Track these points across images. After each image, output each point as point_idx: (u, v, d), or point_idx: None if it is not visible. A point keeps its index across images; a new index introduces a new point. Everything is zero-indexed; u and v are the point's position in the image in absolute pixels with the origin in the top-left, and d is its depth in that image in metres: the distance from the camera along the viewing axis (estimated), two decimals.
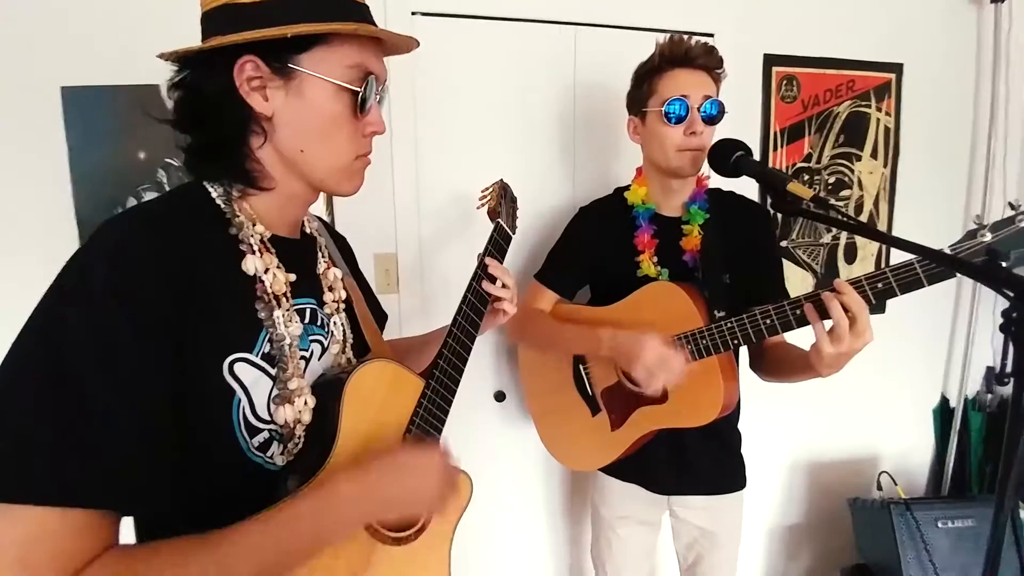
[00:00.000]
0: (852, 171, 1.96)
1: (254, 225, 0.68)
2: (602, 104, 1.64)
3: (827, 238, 1.96)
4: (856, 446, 2.14)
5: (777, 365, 1.16)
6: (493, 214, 1.03)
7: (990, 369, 2.18)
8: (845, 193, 1.96)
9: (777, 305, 0.97)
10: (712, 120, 1.14)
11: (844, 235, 1.98)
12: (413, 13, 1.46)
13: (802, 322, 0.94)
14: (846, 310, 0.87)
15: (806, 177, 1.90)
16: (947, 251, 0.75)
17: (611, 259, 1.27)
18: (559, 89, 1.60)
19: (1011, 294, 0.57)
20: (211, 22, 0.63)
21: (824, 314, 0.90)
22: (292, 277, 0.70)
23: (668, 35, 1.18)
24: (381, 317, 1.01)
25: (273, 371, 0.66)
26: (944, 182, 2.12)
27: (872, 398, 2.10)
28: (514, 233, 1.07)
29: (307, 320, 0.73)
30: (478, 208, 1.08)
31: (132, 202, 1.33)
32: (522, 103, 1.58)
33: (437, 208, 1.54)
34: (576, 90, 1.61)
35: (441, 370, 0.81)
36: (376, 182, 1.48)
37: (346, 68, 0.64)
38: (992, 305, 2.13)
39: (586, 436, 1.32)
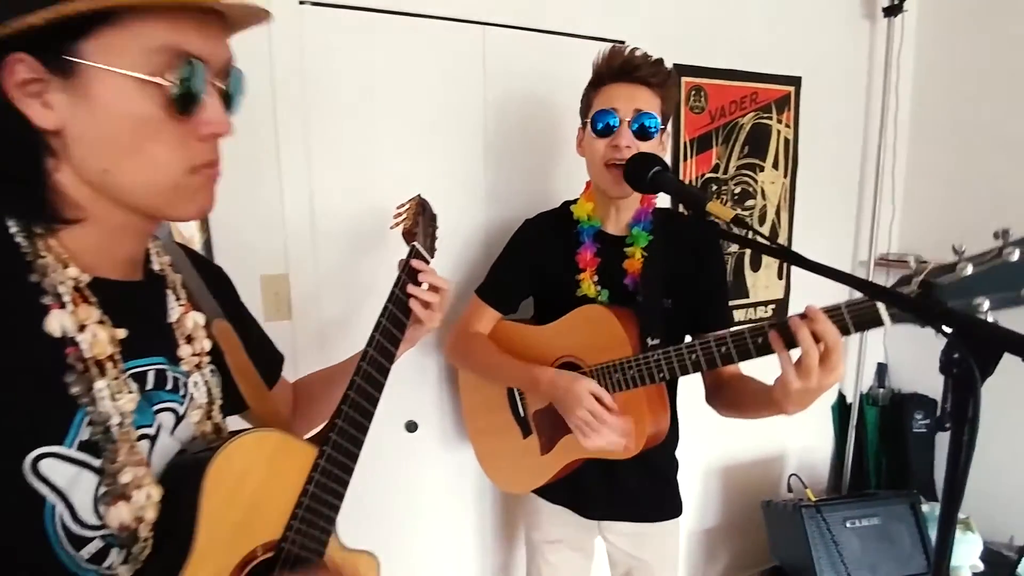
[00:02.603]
0: (756, 181, 2.01)
1: (65, 268, 0.51)
2: (515, 109, 1.56)
3: (734, 247, 2.00)
4: (764, 446, 2.21)
5: (736, 400, 1.09)
6: (409, 235, 0.92)
7: (881, 365, 2.33)
8: (750, 203, 2.01)
9: (703, 340, 0.91)
10: (644, 135, 1.07)
11: None
12: (301, 2, 1.29)
13: (742, 356, 0.86)
14: (817, 340, 0.77)
15: (714, 187, 1.92)
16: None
17: (553, 275, 1.21)
18: (468, 92, 1.50)
19: (949, 331, 0.54)
20: None
21: (791, 343, 0.80)
22: (121, 333, 0.54)
23: (611, 45, 1.13)
24: (272, 361, 0.86)
25: (98, 463, 0.50)
26: (838, 191, 2.24)
27: None
28: (433, 256, 0.96)
29: (151, 385, 0.58)
30: (392, 228, 0.96)
31: None
32: (428, 106, 1.45)
33: (335, 223, 1.38)
34: (487, 93, 1.51)
35: (339, 431, 0.68)
36: (262, 194, 1.30)
37: (149, 53, 0.48)
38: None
39: (516, 458, 1.27)
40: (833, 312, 0.78)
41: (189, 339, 0.64)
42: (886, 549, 1.70)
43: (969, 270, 0.59)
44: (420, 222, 0.93)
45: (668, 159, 1.81)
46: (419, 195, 0.99)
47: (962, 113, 2.11)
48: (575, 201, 1.24)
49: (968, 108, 2.09)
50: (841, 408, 2.34)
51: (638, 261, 1.14)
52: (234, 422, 0.72)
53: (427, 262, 0.87)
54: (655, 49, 1.14)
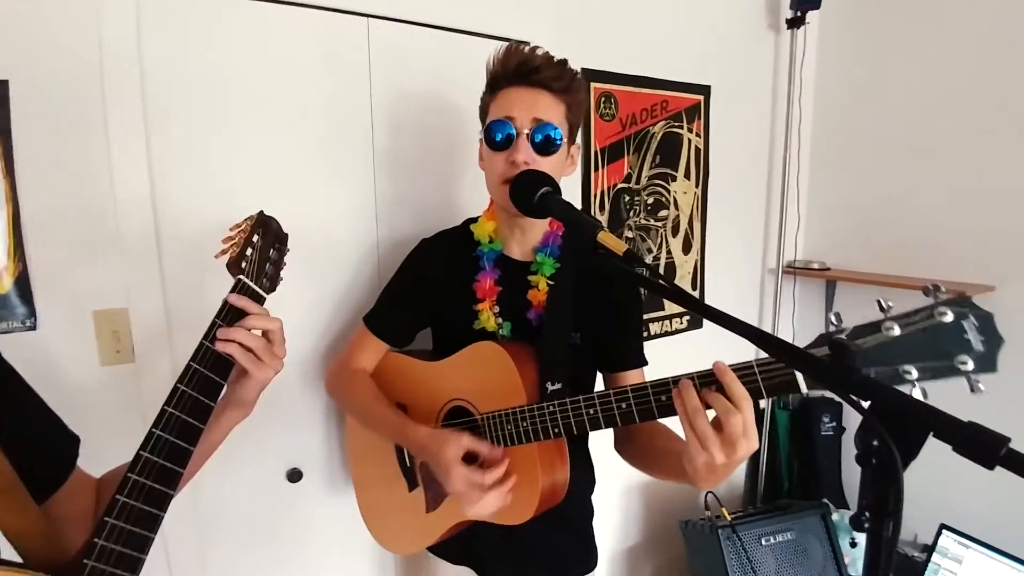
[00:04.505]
0: (669, 191, 1.96)
1: None
2: (410, 113, 1.40)
3: (648, 259, 1.94)
4: None
5: (644, 456, 0.97)
6: (234, 267, 0.75)
7: None
8: (663, 213, 1.96)
9: (602, 395, 0.79)
10: (545, 149, 0.93)
11: (664, 255, 1.99)
12: None
13: (644, 415, 0.73)
14: (707, 406, 0.65)
15: (627, 198, 1.85)
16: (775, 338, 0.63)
17: (450, 304, 1.06)
18: (351, 93, 1.32)
19: (865, 406, 0.44)
20: None
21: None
22: None
23: (508, 43, 0.99)
24: (55, 453, 0.65)
25: None
26: (748, 200, 2.24)
27: None
28: (270, 291, 0.79)
29: None
30: (217, 257, 0.78)
31: None
32: (304, 108, 1.26)
33: (188, 243, 1.16)
34: (374, 95, 1.35)
35: (100, 553, 0.50)
36: (90, 210, 1.07)
37: None
38: (792, 305, 2.31)
39: (401, 514, 1.11)
40: (742, 371, 0.65)
41: None
42: (800, 563, 1.70)
43: (896, 331, 0.50)
44: (257, 246, 0.76)
45: (579, 174, 1.72)
46: (260, 212, 0.82)
47: (860, 124, 2.16)
48: (477, 220, 1.10)
49: (866, 119, 2.15)
50: (755, 414, 2.35)
51: (543, 293, 1.01)
52: None
53: (261, 299, 0.71)
54: (562, 52, 1.01)
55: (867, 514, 0.45)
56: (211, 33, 1.15)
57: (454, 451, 0.86)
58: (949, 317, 0.48)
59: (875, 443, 0.42)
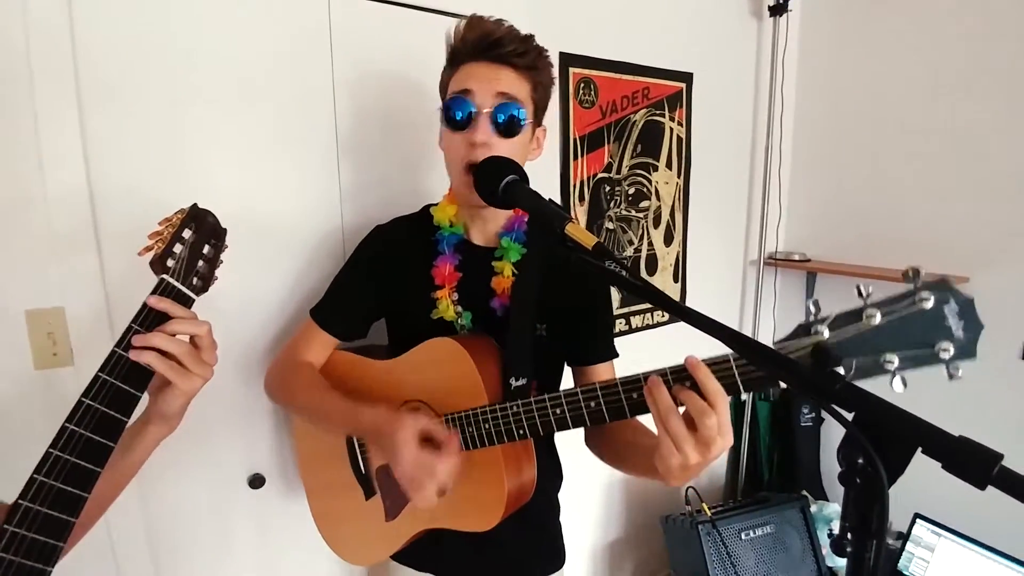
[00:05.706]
0: (650, 181, 1.92)
1: None
2: (375, 95, 1.32)
3: (629, 251, 1.90)
4: None
5: (614, 451, 0.92)
6: (157, 266, 0.69)
7: None
8: (644, 204, 1.91)
9: (569, 393, 0.74)
10: (508, 129, 0.87)
11: (645, 246, 1.94)
12: None
13: (615, 414, 0.69)
14: (679, 403, 0.61)
15: (607, 188, 1.80)
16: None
17: (406, 292, 1.00)
18: (313, 73, 1.24)
19: (849, 419, 0.39)
20: None
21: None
22: None
23: (468, 16, 0.91)
24: None
25: None
26: (731, 191, 2.21)
27: None
28: (202, 292, 0.73)
29: None
30: (140, 255, 0.72)
31: None
32: (260, 88, 1.18)
33: (130, 236, 1.03)
34: (336, 75, 1.27)
35: None
36: (18, 202, 0.98)
37: None
38: (773, 294, 2.29)
39: (359, 523, 1.05)
40: (717, 365, 0.61)
41: None
42: (780, 557, 1.70)
43: (878, 319, 0.46)
44: (188, 242, 0.71)
45: (557, 163, 1.66)
46: (193, 205, 0.76)
47: (841, 115, 2.14)
48: (436, 205, 1.04)
49: (847, 110, 2.12)
50: (736, 405, 2.34)
51: (507, 280, 0.95)
52: None
53: (189, 301, 0.65)
54: (539, 35, 0.95)
55: (849, 536, 0.40)
56: (157, 3, 1.06)
57: (409, 430, 0.79)
58: (930, 302, 0.45)
59: (860, 460, 0.38)
